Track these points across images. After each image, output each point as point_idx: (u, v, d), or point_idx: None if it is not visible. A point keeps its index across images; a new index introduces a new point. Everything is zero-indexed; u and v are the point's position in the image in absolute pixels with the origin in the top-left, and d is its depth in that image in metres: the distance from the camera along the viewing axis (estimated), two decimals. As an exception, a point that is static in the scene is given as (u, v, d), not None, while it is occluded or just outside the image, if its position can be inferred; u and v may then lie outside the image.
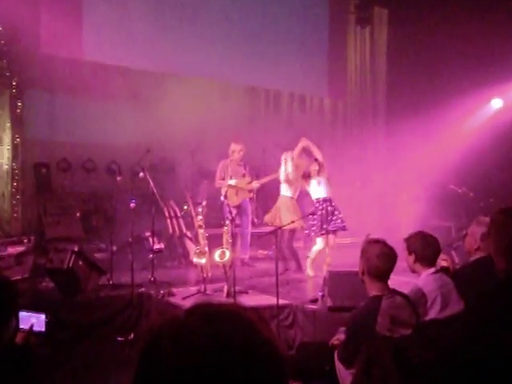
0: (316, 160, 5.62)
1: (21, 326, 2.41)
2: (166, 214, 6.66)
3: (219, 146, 6.89)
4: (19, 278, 5.07)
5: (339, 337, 2.87)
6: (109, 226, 5.88)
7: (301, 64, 9.25)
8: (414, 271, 2.99)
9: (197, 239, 5.46)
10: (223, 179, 6.37)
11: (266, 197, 7.56)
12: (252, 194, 6.72)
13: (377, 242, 2.59)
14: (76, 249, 4.89)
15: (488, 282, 2.11)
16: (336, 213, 5.57)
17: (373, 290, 2.54)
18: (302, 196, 6.17)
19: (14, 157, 6.84)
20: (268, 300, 4.56)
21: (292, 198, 5.88)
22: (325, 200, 5.60)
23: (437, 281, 2.87)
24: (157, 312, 4.68)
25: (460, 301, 2.82)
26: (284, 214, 5.68)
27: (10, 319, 2.02)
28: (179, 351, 0.73)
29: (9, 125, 6.79)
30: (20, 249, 5.43)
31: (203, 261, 4.93)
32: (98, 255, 5.76)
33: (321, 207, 5.57)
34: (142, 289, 5.03)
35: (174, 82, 7.87)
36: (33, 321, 2.47)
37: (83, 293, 4.84)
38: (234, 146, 6.36)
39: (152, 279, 5.30)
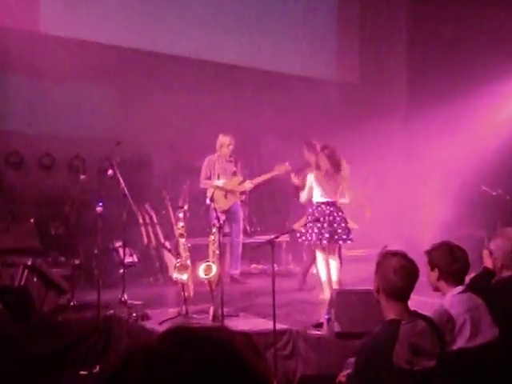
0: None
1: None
2: (140, 221, 6.65)
3: (205, 138, 6.89)
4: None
5: (348, 371, 2.87)
6: (70, 235, 5.86)
7: (305, 40, 9.31)
8: (436, 290, 3.00)
9: (177, 251, 5.45)
10: (209, 178, 6.36)
11: (262, 200, 7.58)
12: (244, 197, 6.73)
13: (395, 254, 2.60)
14: (29, 263, 4.88)
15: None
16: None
17: (389, 312, 2.54)
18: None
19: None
20: (263, 324, 4.56)
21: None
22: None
23: (466, 302, 2.88)
24: (128, 339, 4.68)
25: (494, 326, 2.83)
26: None
27: None
28: (150, 380, 0.74)
29: None
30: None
31: (185, 277, 4.93)
32: (56, 270, 5.73)
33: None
34: (111, 311, 5.02)
35: (152, 61, 7.87)
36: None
37: (38, 316, 4.82)
38: (222, 139, 6.37)
39: (122, 299, 5.27)
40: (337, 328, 4.20)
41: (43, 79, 7.39)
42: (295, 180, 6.68)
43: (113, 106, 7.49)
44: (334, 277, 5.57)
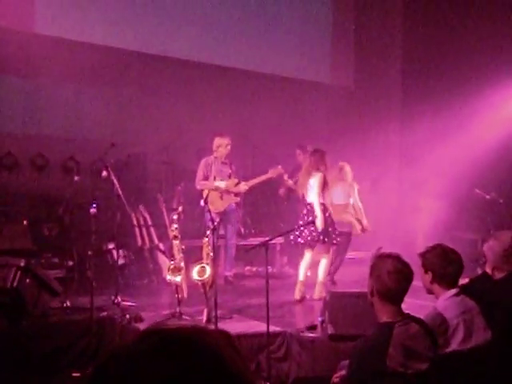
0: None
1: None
2: (134, 222, 6.63)
3: (199, 140, 6.89)
4: None
5: (342, 373, 2.86)
6: (64, 237, 5.83)
7: (299, 43, 9.32)
8: (430, 292, 3.00)
9: (171, 252, 5.44)
10: (206, 180, 6.34)
11: (257, 202, 7.58)
12: (239, 199, 6.73)
13: (389, 256, 2.60)
14: (22, 264, 4.84)
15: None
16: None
17: (383, 314, 2.54)
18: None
19: None
20: (256, 327, 4.57)
21: (344, 204, 6.66)
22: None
23: (459, 305, 2.89)
24: (121, 341, 4.65)
25: (487, 329, 2.83)
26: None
27: None
28: (127, 379, 0.74)
29: None
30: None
31: (178, 279, 4.92)
32: (49, 272, 5.69)
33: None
34: (104, 313, 5.00)
35: (147, 63, 7.86)
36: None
37: (31, 318, 4.79)
38: (219, 140, 6.36)
39: (116, 301, 5.26)
40: (330, 330, 4.21)
41: (37, 80, 7.37)
42: (289, 182, 6.71)
43: (107, 107, 7.47)
44: (321, 277, 5.72)
